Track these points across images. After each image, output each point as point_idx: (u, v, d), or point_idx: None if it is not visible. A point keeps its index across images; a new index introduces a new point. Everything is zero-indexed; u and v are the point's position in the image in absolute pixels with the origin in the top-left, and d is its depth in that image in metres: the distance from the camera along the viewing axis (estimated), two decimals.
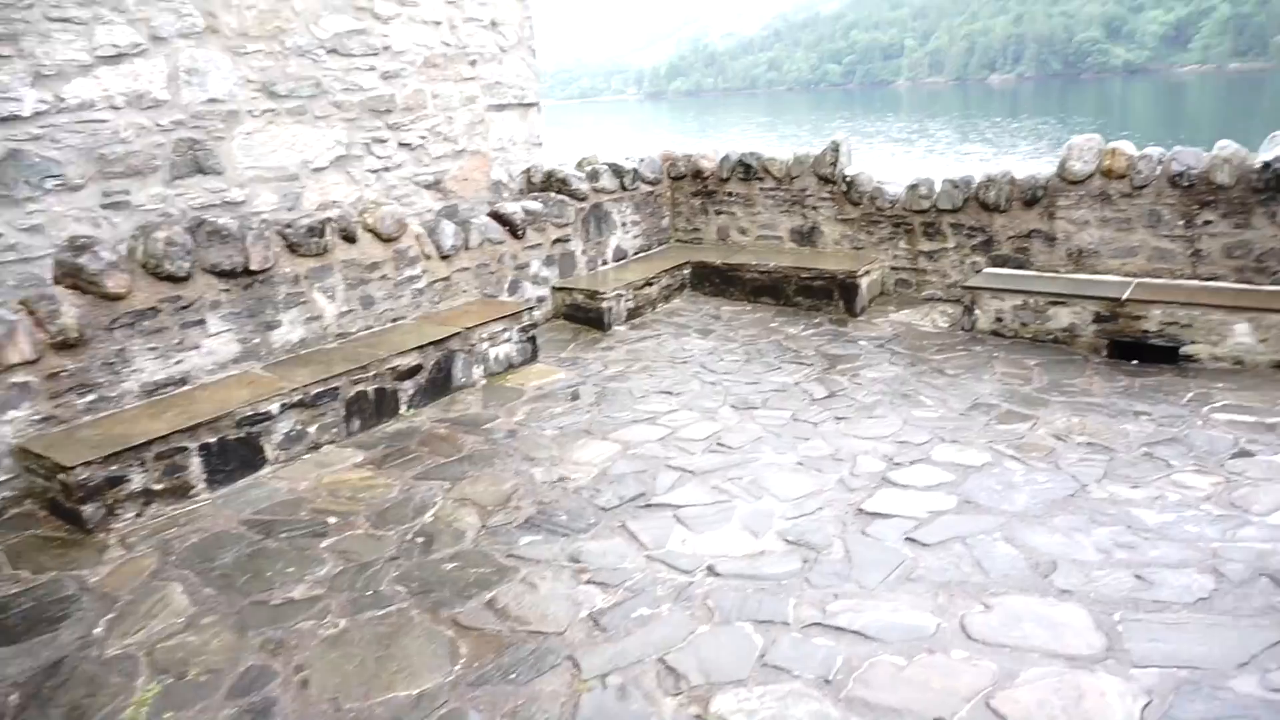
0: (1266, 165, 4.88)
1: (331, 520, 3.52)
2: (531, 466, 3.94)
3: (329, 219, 4.87)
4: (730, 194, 7.04)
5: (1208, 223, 5.12)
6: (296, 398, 4.14)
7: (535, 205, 6.17)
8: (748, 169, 6.89)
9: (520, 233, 5.96)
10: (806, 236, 6.74)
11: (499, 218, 5.91)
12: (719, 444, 4.09)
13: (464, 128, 6.83)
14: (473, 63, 6.89)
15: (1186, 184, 5.13)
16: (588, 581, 2.99)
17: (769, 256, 6.57)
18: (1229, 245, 5.10)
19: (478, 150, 7.00)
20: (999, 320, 5.45)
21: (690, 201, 7.27)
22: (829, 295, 6.09)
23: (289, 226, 4.68)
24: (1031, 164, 5.75)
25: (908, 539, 3.15)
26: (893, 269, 6.36)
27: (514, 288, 5.97)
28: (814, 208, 6.64)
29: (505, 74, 7.20)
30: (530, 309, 5.50)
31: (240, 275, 4.38)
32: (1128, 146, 5.39)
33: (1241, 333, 4.71)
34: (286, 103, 5.52)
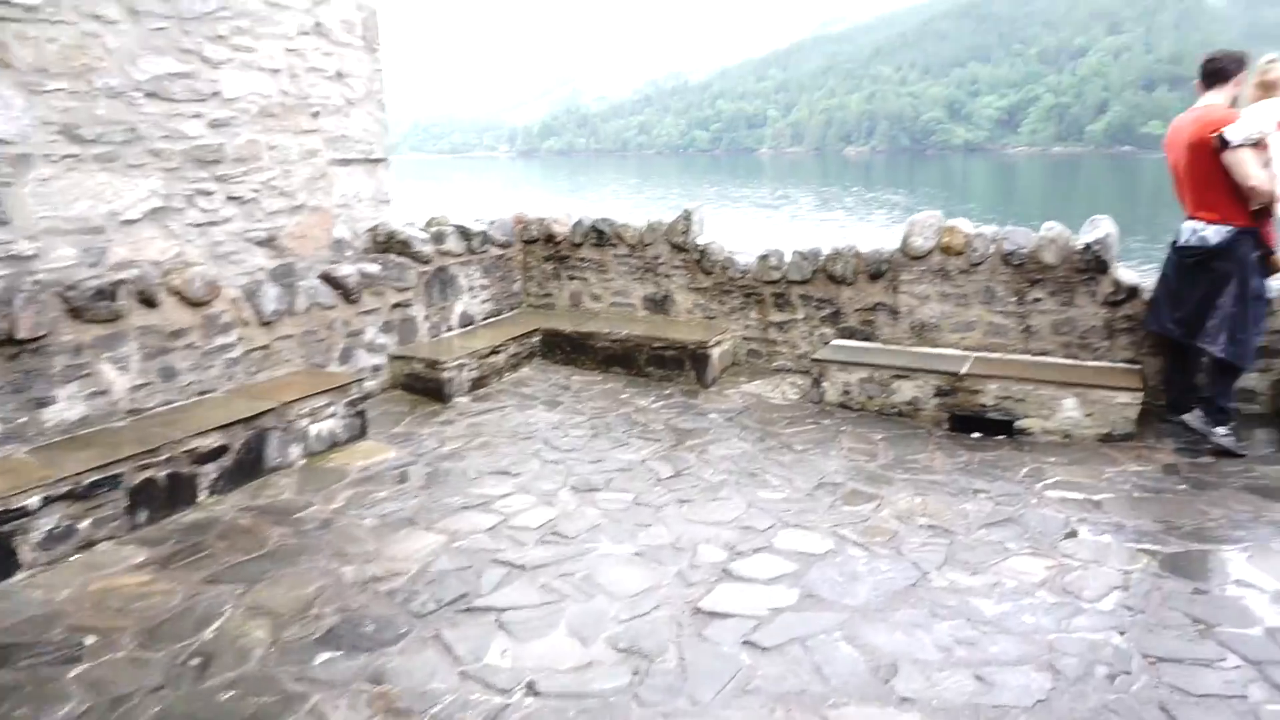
0: (1087, 247, 5.10)
1: (89, 640, 2.99)
2: (342, 564, 3.52)
3: (123, 280, 4.34)
4: (583, 259, 6.86)
5: (1037, 300, 5.31)
6: (65, 488, 3.58)
7: (373, 268, 5.79)
8: (601, 235, 6.75)
9: (354, 297, 5.55)
10: (660, 305, 6.62)
11: (331, 280, 5.49)
12: (554, 533, 3.79)
13: (303, 182, 6.37)
14: (315, 114, 6.48)
15: (1017, 262, 5.31)
16: (387, 710, 2.61)
17: (622, 325, 6.40)
18: (1056, 322, 5.28)
19: (319, 206, 6.55)
20: (846, 393, 5.43)
21: (543, 266, 7.05)
22: (681, 365, 5.95)
23: (72, 288, 4.13)
24: (886, 233, 5.82)
25: (746, 642, 2.93)
26: (744, 339, 6.31)
27: (346, 356, 5.53)
28: (667, 276, 6.54)
29: (351, 127, 6.82)
30: (361, 380, 5.08)
31: (4, 345, 3.79)
32: (964, 224, 5.55)
33: (1069, 407, 4.84)
34: (93, 148, 4.95)
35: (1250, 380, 4.84)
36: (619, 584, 3.33)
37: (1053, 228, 5.26)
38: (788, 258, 6.07)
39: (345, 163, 6.71)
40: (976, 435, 5.00)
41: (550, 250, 6.99)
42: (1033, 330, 5.35)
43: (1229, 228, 4.28)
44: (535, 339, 6.47)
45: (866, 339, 5.86)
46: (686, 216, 6.42)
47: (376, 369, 5.75)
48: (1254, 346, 4.42)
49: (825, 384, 5.51)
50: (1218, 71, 4.43)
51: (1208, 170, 4.29)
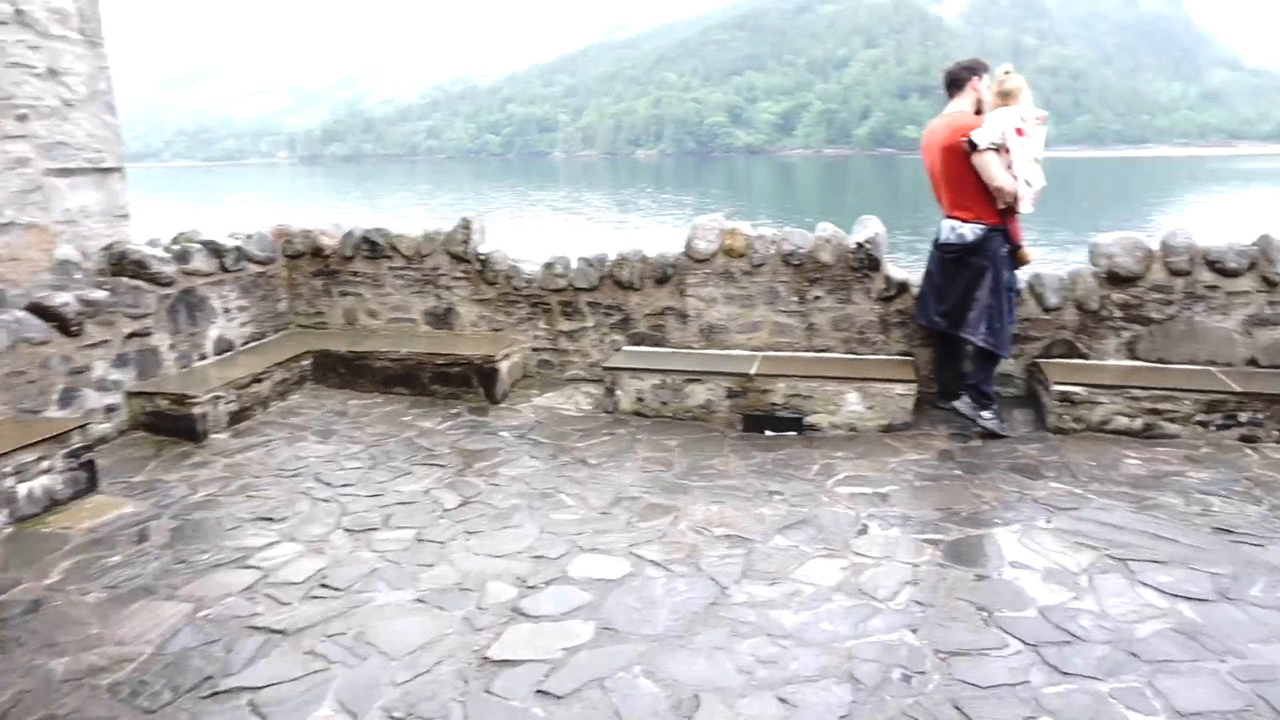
0: (860, 246, 5.27)
1: None
2: (52, 657, 2.91)
3: None
4: (356, 274, 6.33)
5: (818, 298, 5.43)
6: None
7: (98, 294, 5.00)
8: (374, 246, 6.25)
9: (74, 328, 4.76)
10: (442, 319, 6.22)
11: (41, 311, 4.68)
12: (323, 585, 3.36)
13: (12, 196, 5.43)
14: (22, 117, 5.54)
15: (797, 263, 5.40)
16: None
17: (402, 342, 5.95)
18: (836, 319, 5.43)
19: (33, 223, 5.61)
20: (640, 400, 5.31)
21: (311, 283, 6.44)
22: (468, 382, 5.60)
23: None
24: (678, 235, 5.75)
25: (539, 692, 2.66)
26: (534, 350, 6.05)
27: (68, 399, 4.73)
28: (448, 288, 6.15)
29: (73, 133, 5.89)
30: (87, 425, 4.34)
31: None
32: (745, 227, 5.59)
33: (853, 401, 4.96)
34: None
35: (1007, 365, 5.18)
36: (397, 640, 2.96)
37: (827, 229, 5.40)
38: (574, 265, 5.88)
39: (66, 173, 5.80)
40: (769, 434, 5.03)
41: (319, 265, 6.40)
42: (815, 328, 5.47)
43: (982, 225, 4.53)
44: (305, 362, 5.88)
45: (658, 344, 5.78)
46: (466, 225, 6.07)
47: (110, 410, 4.97)
48: (1010, 334, 4.71)
49: (619, 392, 5.35)
50: (955, 80, 4.71)
51: (960, 172, 4.52)
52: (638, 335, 5.82)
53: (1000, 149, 4.38)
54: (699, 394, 5.19)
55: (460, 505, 4.10)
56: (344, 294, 6.38)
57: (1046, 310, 5.12)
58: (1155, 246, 5.01)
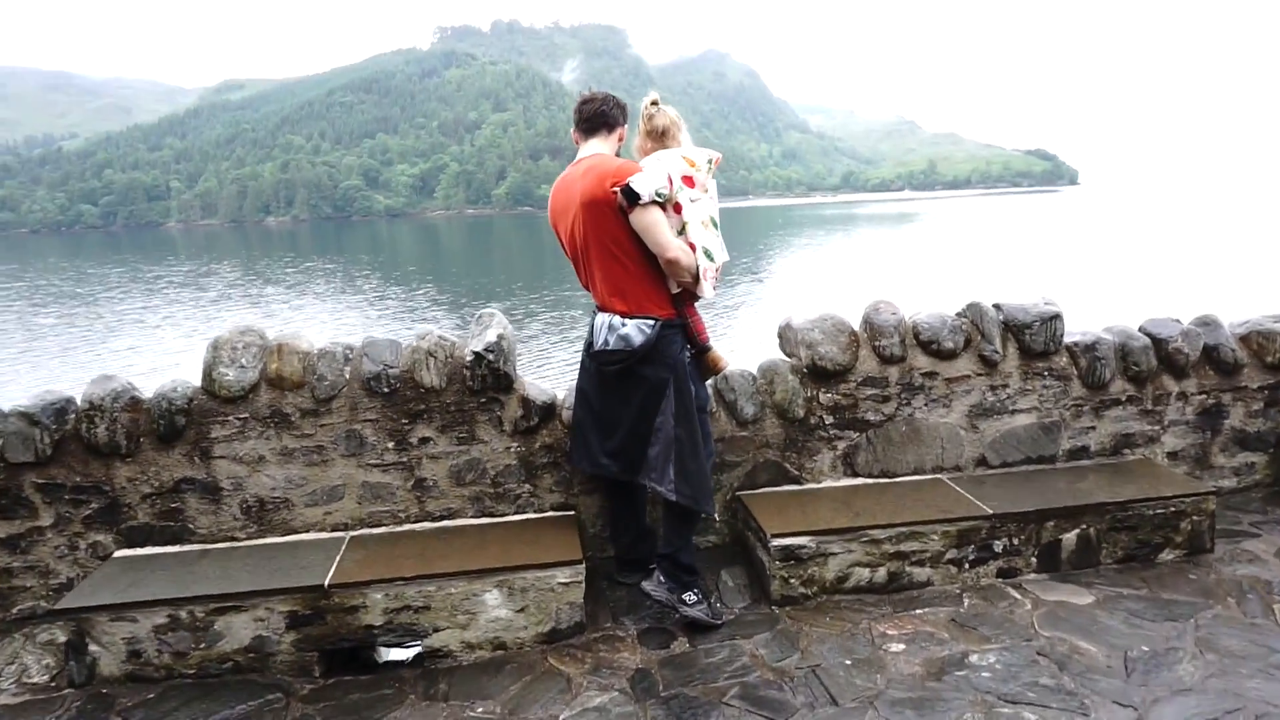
0: (479, 357, 3.51)
1: None
2: None
3: None
4: None
5: (426, 441, 3.56)
6: None
7: None
8: None
9: None
10: None
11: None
12: None
13: None
14: None
15: (388, 389, 3.50)
16: None
17: None
18: (457, 468, 3.60)
19: None
20: (137, 655, 3.04)
21: None
22: None
23: None
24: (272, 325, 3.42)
25: None
26: None
27: None
28: None
29: None
30: None
31: None
32: (301, 341, 3.57)
33: (493, 604, 3.15)
34: None
35: None
36: None
37: (429, 335, 3.57)
38: (8, 425, 3.42)
39: None
40: (366, 676, 3.04)
41: None
42: (428, 485, 3.59)
43: (652, 320, 2.99)
44: None
45: (175, 540, 3.52)
46: None
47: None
48: (710, 475, 3.21)
49: (94, 648, 3.03)
50: (598, 115, 3.14)
51: (614, 238, 2.96)
52: (140, 530, 3.50)
53: (668, 204, 2.89)
54: (240, 630, 3.06)
55: None
56: None
57: (742, 424, 3.74)
58: (857, 326, 3.88)
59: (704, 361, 3.17)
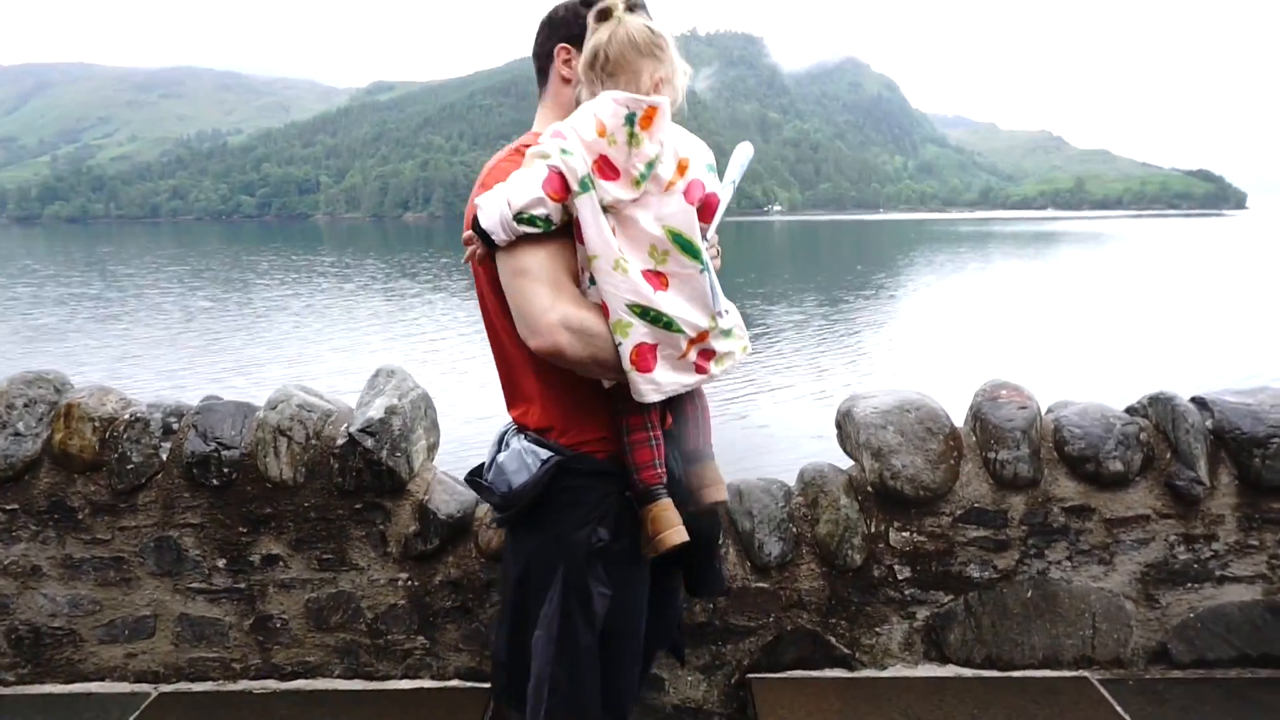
0: (353, 442, 2.28)
1: None
2: None
3: None
4: None
5: (273, 560, 2.36)
6: None
7: None
8: None
9: None
10: None
11: None
12: None
13: None
14: None
15: (219, 481, 2.32)
16: None
17: None
18: (318, 604, 2.38)
19: None
20: None
21: None
22: None
23: None
24: None
25: None
26: None
27: None
28: None
29: None
30: None
31: None
32: (108, 399, 2.44)
33: None
34: None
35: (696, 687, 2.38)
36: None
37: (287, 398, 2.37)
38: None
39: None
40: None
41: None
42: (274, 626, 2.40)
43: (545, 447, 1.61)
44: None
45: None
46: None
47: None
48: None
49: None
50: (535, 56, 1.80)
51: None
52: None
53: (559, 238, 1.50)
54: None
55: None
56: None
57: (762, 569, 2.37)
58: (961, 422, 2.44)
59: (650, 524, 1.69)
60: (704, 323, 1.49)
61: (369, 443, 2.26)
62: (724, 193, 1.55)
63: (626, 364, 1.46)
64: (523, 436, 1.61)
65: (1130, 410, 2.47)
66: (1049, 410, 2.49)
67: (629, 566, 1.60)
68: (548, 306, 1.41)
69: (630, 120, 1.39)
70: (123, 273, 38.64)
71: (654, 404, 1.54)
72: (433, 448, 2.50)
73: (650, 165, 1.42)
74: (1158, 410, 2.40)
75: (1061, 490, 2.34)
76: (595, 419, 1.58)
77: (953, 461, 2.33)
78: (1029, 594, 2.37)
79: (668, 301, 1.45)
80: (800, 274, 36.84)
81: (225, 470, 2.31)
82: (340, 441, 2.29)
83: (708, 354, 1.52)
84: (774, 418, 10.67)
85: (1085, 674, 2.39)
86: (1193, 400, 2.43)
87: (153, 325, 20.52)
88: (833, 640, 2.39)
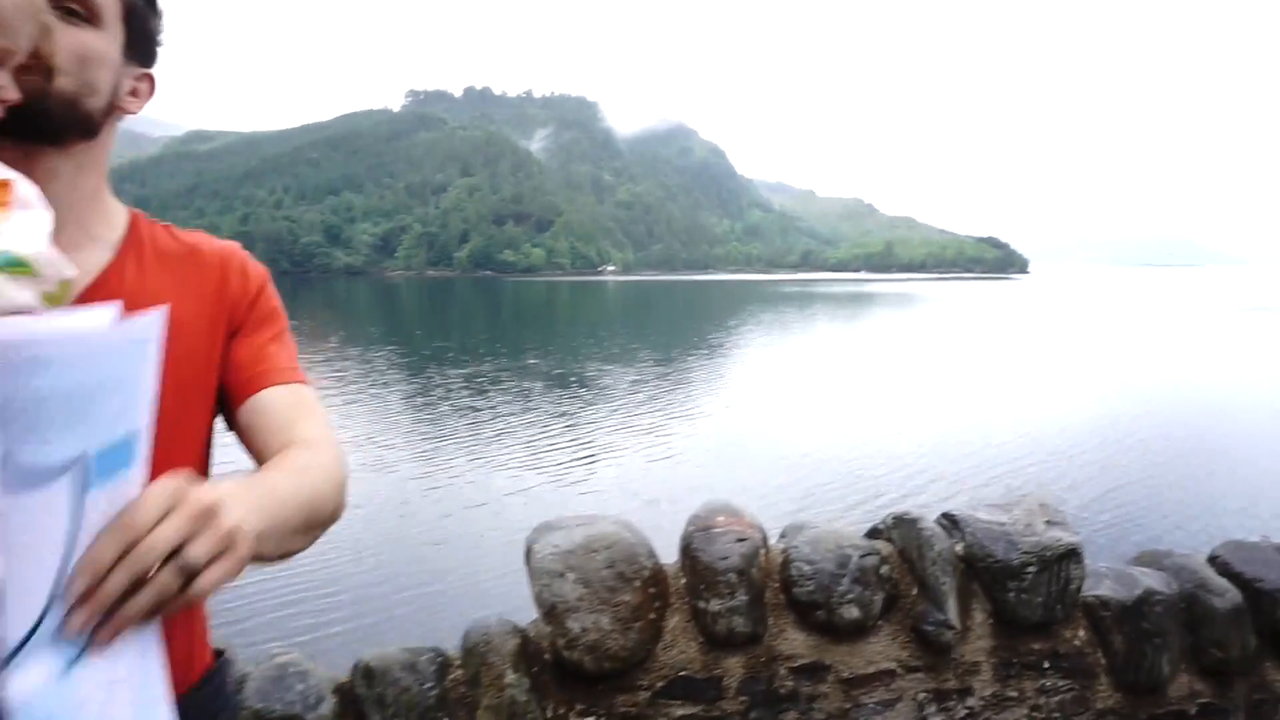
0: None
1: None
2: None
3: None
4: None
5: None
6: None
7: None
8: None
9: None
10: None
11: None
12: None
13: None
14: None
15: None
16: None
17: None
18: None
19: None
20: None
21: None
22: None
23: None
24: None
25: None
26: None
27: None
28: None
29: None
30: None
31: None
32: None
33: None
34: None
35: None
36: None
37: None
38: None
39: None
40: None
41: None
42: None
43: None
44: None
45: None
46: None
47: None
48: None
49: None
50: None
51: None
52: None
53: None
54: None
55: None
56: None
57: None
58: (679, 541, 1.91)
59: None
60: None
61: None
62: None
63: None
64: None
65: (874, 533, 2.03)
66: (781, 536, 2.01)
67: None
68: None
69: None
70: None
71: None
72: None
73: None
74: (903, 533, 1.97)
75: (789, 645, 1.84)
76: None
77: (653, 616, 1.78)
78: None
79: None
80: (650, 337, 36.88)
81: None
82: None
83: None
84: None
85: None
86: (943, 518, 2.02)
87: None
88: None
